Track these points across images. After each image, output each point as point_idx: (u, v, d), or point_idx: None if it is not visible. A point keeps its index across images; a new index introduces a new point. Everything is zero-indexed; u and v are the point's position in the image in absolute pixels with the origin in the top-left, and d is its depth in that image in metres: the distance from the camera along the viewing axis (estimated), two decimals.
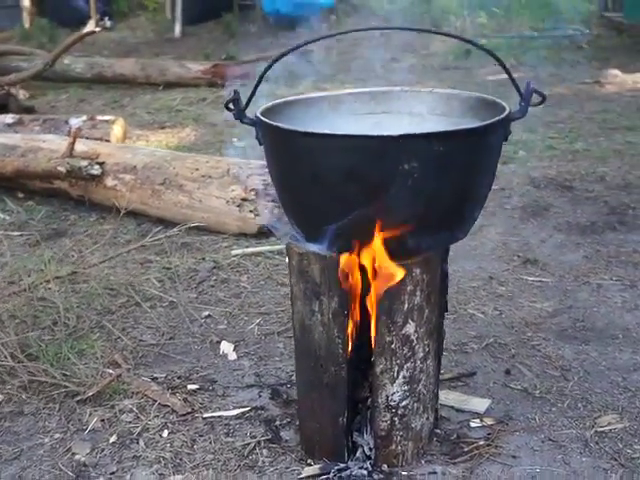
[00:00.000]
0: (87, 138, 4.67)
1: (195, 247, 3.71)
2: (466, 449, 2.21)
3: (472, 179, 1.85)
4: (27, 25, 10.98)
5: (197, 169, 3.89)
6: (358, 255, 1.90)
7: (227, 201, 3.73)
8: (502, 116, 1.85)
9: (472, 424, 2.33)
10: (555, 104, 6.29)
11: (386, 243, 1.85)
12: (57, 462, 2.20)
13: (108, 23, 5.23)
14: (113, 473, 2.15)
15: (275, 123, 1.85)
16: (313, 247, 1.96)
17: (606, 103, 6.42)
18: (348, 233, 1.85)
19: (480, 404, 2.42)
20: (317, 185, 1.81)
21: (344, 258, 1.91)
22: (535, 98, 1.94)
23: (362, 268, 1.93)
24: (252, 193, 3.70)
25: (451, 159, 1.77)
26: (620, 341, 2.78)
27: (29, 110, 6.09)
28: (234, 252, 3.58)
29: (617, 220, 3.96)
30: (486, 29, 10.05)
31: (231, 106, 1.96)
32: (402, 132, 1.71)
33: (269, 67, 1.81)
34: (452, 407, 2.41)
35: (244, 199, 3.70)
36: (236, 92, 1.95)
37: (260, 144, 1.98)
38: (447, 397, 2.44)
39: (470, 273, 3.37)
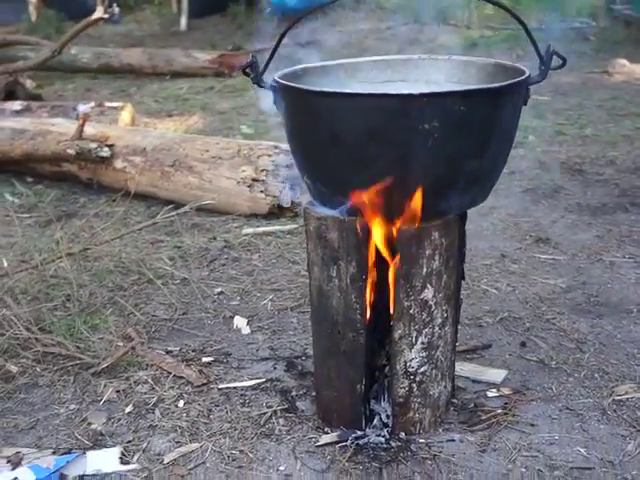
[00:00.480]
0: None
1: (205, 228, 3.70)
2: (484, 417, 2.21)
3: (492, 141, 1.83)
4: (34, 19, 10.98)
5: (207, 150, 3.88)
6: (376, 218, 1.89)
7: (237, 182, 3.72)
8: (522, 77, 1.84)
9: (489, 394, 2.32)
10: (564, 92, 6.29)
11: (405, 205, 1.84)
12: (73, 431, 2.20)
13: (116, 10, 5.18)
14: (130, 442, 2.15)
15: (296, 84, 1.84)
16: (332, 211, 1.95)
17: (615, 91, 6.41)
18: (366, 196, 1.84)
19: (496, 375, 2.41)
20: (337, 146, 1.80)
21: (363, 222, 1.90)
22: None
23: (382, 231, 1.92)
24: (263, 174, 3.69)
25: (471, 119, 1.75)
26: (635, 315, 2.77)
27: (36, 98, 6.09)
28: (245, 231, 3.58)
29: (629, 202, 3.94)
30: (493, 21, 10.03)
31: (249, 71, 1.94)
32: (423, 91, 1.70)
33: (290, 27, 1.80)
34: (468, 378, 2.40)
35: (255, 179, 3.69)
36: (254, 56, 1.93)
37: (277, 109, 1.97)
38: (463, 368, 2.43)
39: (482, 251, 3.36)
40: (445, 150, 1.76)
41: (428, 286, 1.97)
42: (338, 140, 1.79)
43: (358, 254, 1.94)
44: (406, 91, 1.73)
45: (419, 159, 1.75)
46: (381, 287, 2.03)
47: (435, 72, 2.15)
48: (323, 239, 1.97)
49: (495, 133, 1.83)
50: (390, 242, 1.92)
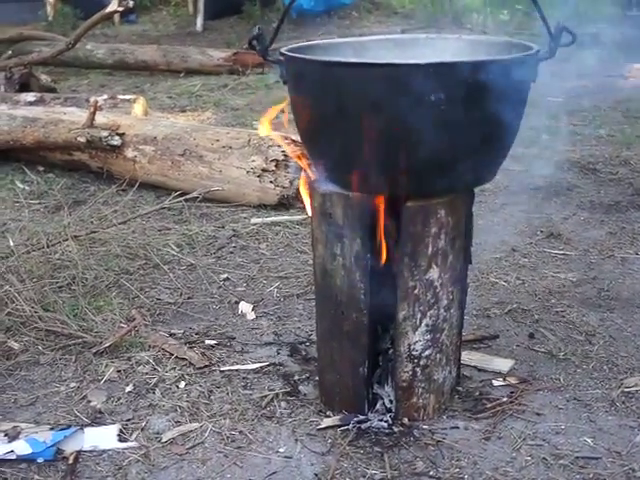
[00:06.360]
0: None
1: (214, 217, 3.68)
2: (489, 406, 2.17)
3: (499, 116, 1.79)
4: (50, 17, 11.04)
5: (218, 140, 3.86)
6: (382, 194, 1.86)
7: (247, 171, 3.69)
8: (531, 52, 1.81)
9: (495, 383, 2.29)
10: (579, 95, 6.23)
11: (411, 180, 1.80)
12: (72, 409, 2.18)
13: (131, 3, 5.19)
14: (129, 420, 2.13)
15: (301, 55, 1.81)
16: (336, 187, 1.92)
17: (630, 94, 6.35)
18: (372, 170, 1.81)
19: (503, 364, 2.38)
20: (341, 118, 1.77)
21: (368, 197, 1.87)
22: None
23: (387, 208, 1.89)
24: (272, 164, 3.67)
25: (478, 92, 1.72)
26: None
27: (50, 91, 6.09)
28: (253, 221, 3.55)
29: None
30: (508, 26, 9.98)
31: (255, 43, 1.91)
32: (429, 60, 1.67)
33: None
34: (474, 367, 2.37)
35: (264, 170, 3.67)
36: (260, 29, 1.91)
37: (284, 83, 1.94)
38: (470, 357, 2.40)
39: (492, 245, 3.32)
40: (452, 123, 1.72)
41: (434, 266, 1.93)
42: (343, 112, 1.76)
43: (362, 231, 1.91)
44: (412, 61, 1.69)
45: (425, 132, 1.71)
46: (388, 269, 1.99)
47: (444, 51, 2.11)
48: (327, 216, 1.94)
49: (503, 108, 1.79)
50: (395, 219, 1.89)
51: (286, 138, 3.74)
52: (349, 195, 1.89)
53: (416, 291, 1.95)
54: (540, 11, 1.80)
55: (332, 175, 1.92)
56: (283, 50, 1.90)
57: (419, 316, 1.98)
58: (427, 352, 2.02)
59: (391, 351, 2.09)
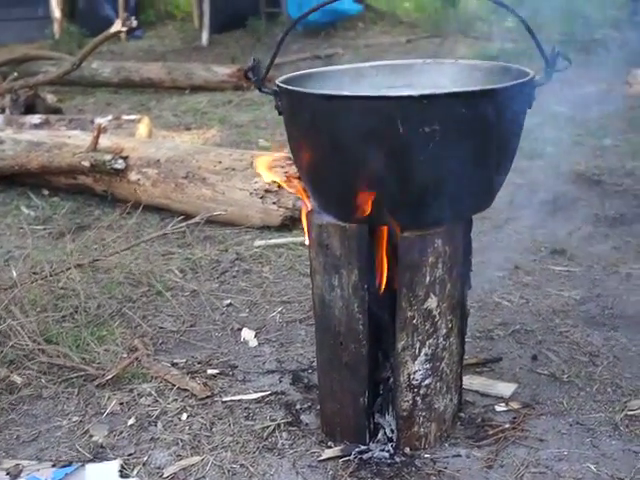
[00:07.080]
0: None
1: (217, 240, 3.68)
2: (491, 432, 2.16)
3: (495, 145, 1.79)
4: (57, 35, 11.09)
5: (220, 162, 3.87)
6: (378, 225, 1.86)
7: (250, 193, 3.70)
8: (526, 79, 1.81)
9: (497, 408, 2.27)
10: (582, 104, 6.20)
11: (407, 211, 1.80)
12: (74, 444, 2.18)
13: (134, 22, 5.20)
14: (130, 455, 2.12)
15: (295, 88, 1.81)
16: (333, 218, 1.91)
17: (635, 102, 6.32)
18: (367, 201, 1.80)
19: (506, 388, 2.36)
20: (336, 150, 1.77)
21: (364, 228, 1.87)
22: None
23: (383, 238, 1.89)
24: (275, 184, 3.67)
25: (474, 122, 1.72)
26: None
27: (56, 112, 6.12)
28: (257, 243, 3.55)
29: None
30: (514, 33, 9.96)
31: (250, 75, 1.92)
32: (423, 92, 1.66)
33: (289, 30, 1.78)
34: (477, 392, 2.36)
35: (267, 190, 3.67)
36: (255, 60, 1.91)
37: (280, 114, 1.95)
38: (472, 382, 2.38)
39: (496, 263, 3.30)
40: (447, 154, 1.72)
41: (431, 295, 1.93)
42: (336, 144, 1.76)
43: (360, 262, 1.90)
44: (405, 93, 1.69)
45: (420, 163, 1.71)
46: (386, 298, 1.99)
47: (440, 76, 2.11)
48: (324, 247, 1.94)
49: (499, 136, 1.79)
50: (393, 249, 1.88)
51: (289, 159, 3.75)
52: (346, 226, 1.89)
53: (414, 321, 1.94)
54: (535, 38, 1.80)
55: (328, 206, 1.92)
56: (278, 81, 1.90)
57: (418, 345, 1.97)
58: (427, 381, 2.02)
59: (391, 380, 2.08)
